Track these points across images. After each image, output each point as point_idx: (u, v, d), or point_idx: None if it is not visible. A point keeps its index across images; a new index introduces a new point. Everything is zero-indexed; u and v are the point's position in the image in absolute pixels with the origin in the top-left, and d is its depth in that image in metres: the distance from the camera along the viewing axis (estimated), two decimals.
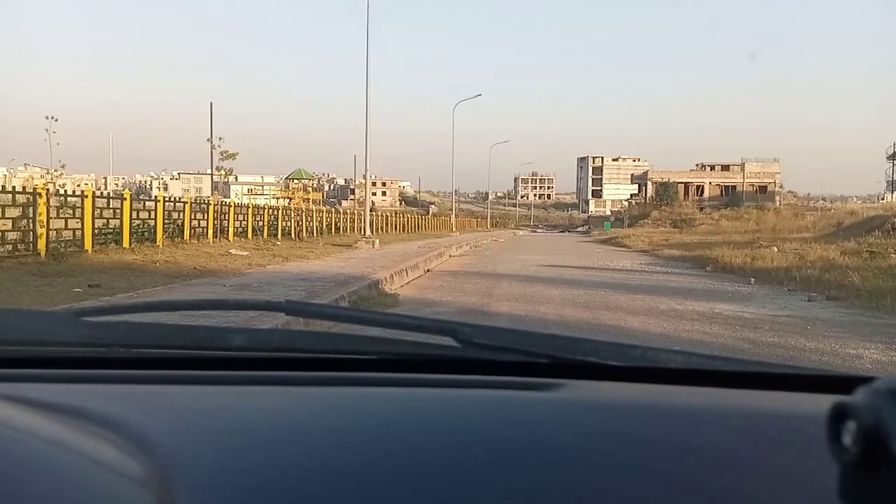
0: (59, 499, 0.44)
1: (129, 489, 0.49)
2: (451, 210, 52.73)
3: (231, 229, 18.31)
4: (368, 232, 21.88)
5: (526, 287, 10.56)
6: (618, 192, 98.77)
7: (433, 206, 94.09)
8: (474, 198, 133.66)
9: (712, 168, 66.04)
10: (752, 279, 12.84)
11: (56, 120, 34.44)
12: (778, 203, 56.50)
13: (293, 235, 22.63)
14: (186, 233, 15.92)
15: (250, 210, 20.20)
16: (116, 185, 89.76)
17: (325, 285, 8.77)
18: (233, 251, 14.52)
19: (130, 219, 13.57)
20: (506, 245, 29.88)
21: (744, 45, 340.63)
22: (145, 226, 14.49)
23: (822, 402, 0.47)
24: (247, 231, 19.44)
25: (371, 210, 24.67)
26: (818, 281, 11.62)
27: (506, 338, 0.89)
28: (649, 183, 63.34)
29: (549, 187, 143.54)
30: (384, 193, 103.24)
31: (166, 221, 15.11)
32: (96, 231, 12.51)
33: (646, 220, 52.36)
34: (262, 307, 1.09)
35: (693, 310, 8.30)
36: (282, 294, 7.78)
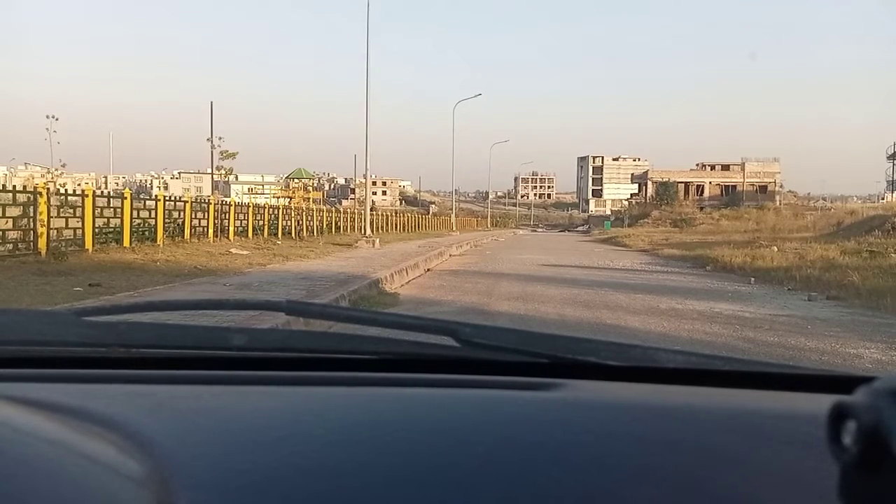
0: (59, 498, 0.44)
1: (129, 489, 0.49)
2: (452, 209, 52.65)
3: (231, 228, 18.31)
4: (369, 231, 21.87)
5: (526, 286, 10.56)
6: (618, 191, 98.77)
7: (433, 206, 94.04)
8: (474, 197, 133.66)
9: (712, 168, 66.03)
10: (752, 279, 12.84)
11: (57, 119, 34.24)
12: (778, 203, 56.51)
13: (293, 235, 22.64)
14: (187, 232, 15.92)
15: (251, 209, 20.19)
16: (117, 184, 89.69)
17: (326, 284, 8.77)
18: (233, 250, 14.53)
19: (131, 218, 13.58)
20: (506, 244, 29.88)
21: (744, 45, 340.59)
22: (146, 225, 14.49)
23: (822, 402, 0.47)
24: (247, 230, 19.44)
25: (371, 209, 24.67)
26: (818, 280, 11.62)
27: (506, 338, 0.89)
28: (649, 182, 63.34)
29: (549, 187, 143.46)
30: (384, 193, 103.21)
31: (167, 221, 15.11)
32: (97, 230, 12.51)
33: (646, 220, 52.38)
34: (263, 307, 1.09)
35: (693, 309, 8.29)
36: (282, 293, 7.78)
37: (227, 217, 18.29)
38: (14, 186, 11.49)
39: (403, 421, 0.65)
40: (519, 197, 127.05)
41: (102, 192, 17.84)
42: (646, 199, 62.57)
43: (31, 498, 0.43)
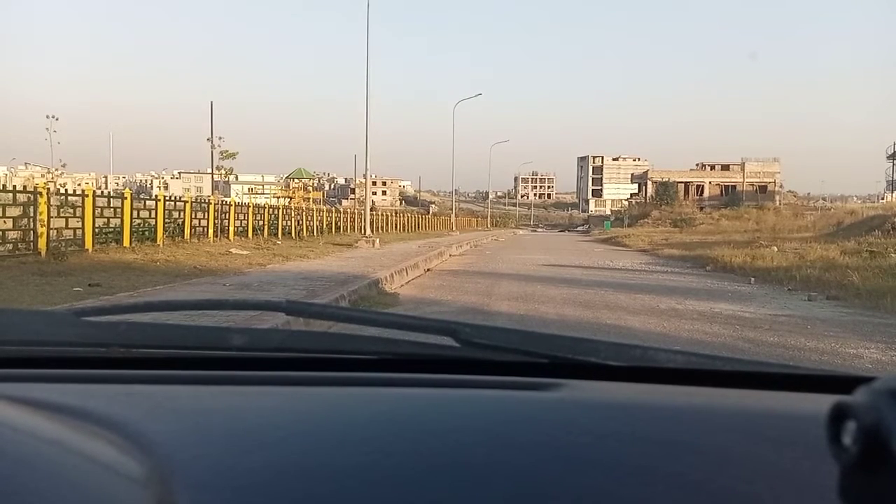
0: (58, 498, 0.44)
1: (129, 489, 0.49)
2: (452, 209, 52.58)
3: (231, 228, 18.30)
4: (369, 231, 21.86)
5: (526, 286, 10.56)
6: (618, 191, 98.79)
7: (433, 206, 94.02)
8: (474, 197, 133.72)
9: (712, 168, 66.07)
10: (752, 279, 12.84)
11: (57, 119, 34.17)
12: (778, 203, 56.53)
13: (293, 235, 22.63)
14: (187, 232, 15.92)
15: (251, 209, 20.18)
16: (117, 184, 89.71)
17: (326, 284, 8.77)
18: (233, 250, 14.52)
19: (131, 218, 13.57)
20: (506, 244, 29.88)
21: (744, 45, 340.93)
22: (146, 225, 14.49)
23: (822, 402, 0.47)
24: (247, 230, 19.44)
25: (371, 209, 24.66)
26: (818, 280, 11.62)
27: (506, 338, 0.89)
28: (649, 182, 63.36)
29: (549, 187, 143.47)
30: (384, 193, 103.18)
31: (167, 221, 15.10)
32: (97, 230, 12.51)
33: (646, 220, 52.40)
34: (262, 307, 1.09)
35: (693, 309, 8.29)
36: (282, 293, 7.78)
37: (227, 217, 18.28)
38: (14, 186, 11.48)
39: (403, 421, 0.65)
40: (519, 197, 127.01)
41: (102, 192, 17.82)
42: (646, 199, 62.57)
43: (31, 498, 0.43)
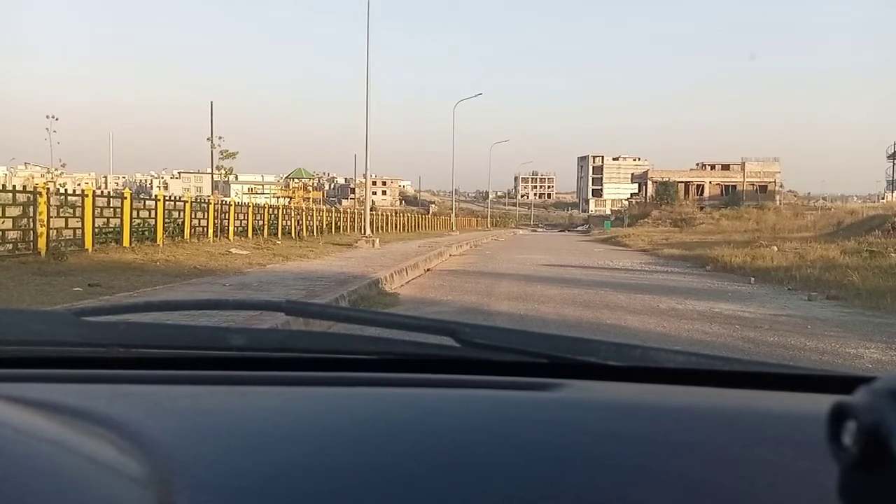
0: (59, 499, 0.44)
1: (129, 489, 0.49)
2: (452, 209, 52.59)
3: (231, 228, 18.30)
4: (368, 231, 21.85)
5: (526, 286, 10.56)
6: (618, 191, 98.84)
7: (433, 206, 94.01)
8: (474, 197, 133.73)
9: (712, 167, 66.08)
10: (752, 278, 12.84)
11: (57, 119, 34.07)
12: (778, 202, 56.55)
13: (293, 235, 22.63)
14: (187, 232, 15.91)
15: (250, 209, 20.18)
16: (117, 184, 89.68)
17: (325, 284, 8.77)
18: (233, 250, 14.52)
19: (131, 218, 13.57)
20: (506, 244, 29.88)
21: (744, 45, 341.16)
22: (145, 225, 14.48)
23: (822, 402, 0.47)
24: (247, 230, 19.43)
25: (371, 209, 24.65)
26: (818, 280, 11.62)
27: (506, 338, 0.89)
28: (649, 182, 63.37)
29: (549, 186, 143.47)
30: (384, 193, 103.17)
31: (166, 221, 15.10)
32: (97, 230, 12.51)
33: (646, 220, 52.44)
34: (262, 307, 1.08)
35: (693, 309, 8.29)
36: (282, 293, 7.78)
37: (226, 217, 18.28)
38: (14, 186, 11.47)
39: (403, 421, 0.65)
40: (519, 197, 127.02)
41: (102, 192, 17.80)
42: (646, 199, 62.58)
43: (31, 498, 0.43)
